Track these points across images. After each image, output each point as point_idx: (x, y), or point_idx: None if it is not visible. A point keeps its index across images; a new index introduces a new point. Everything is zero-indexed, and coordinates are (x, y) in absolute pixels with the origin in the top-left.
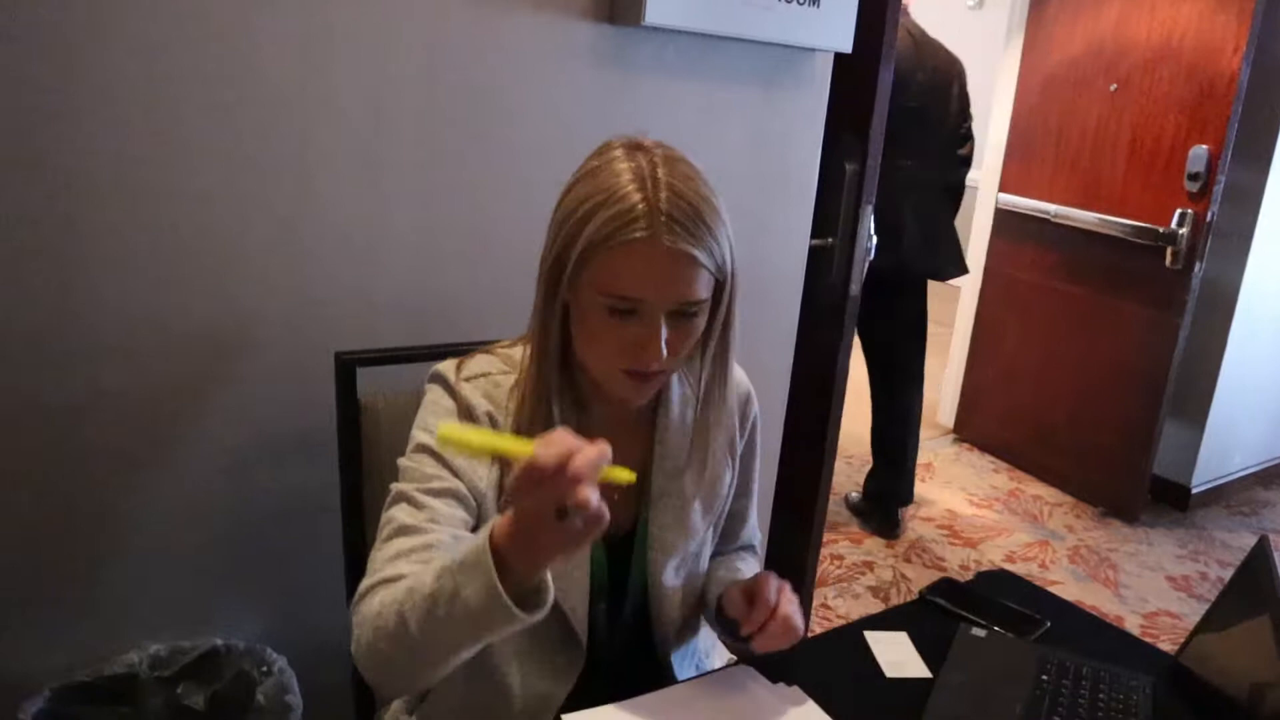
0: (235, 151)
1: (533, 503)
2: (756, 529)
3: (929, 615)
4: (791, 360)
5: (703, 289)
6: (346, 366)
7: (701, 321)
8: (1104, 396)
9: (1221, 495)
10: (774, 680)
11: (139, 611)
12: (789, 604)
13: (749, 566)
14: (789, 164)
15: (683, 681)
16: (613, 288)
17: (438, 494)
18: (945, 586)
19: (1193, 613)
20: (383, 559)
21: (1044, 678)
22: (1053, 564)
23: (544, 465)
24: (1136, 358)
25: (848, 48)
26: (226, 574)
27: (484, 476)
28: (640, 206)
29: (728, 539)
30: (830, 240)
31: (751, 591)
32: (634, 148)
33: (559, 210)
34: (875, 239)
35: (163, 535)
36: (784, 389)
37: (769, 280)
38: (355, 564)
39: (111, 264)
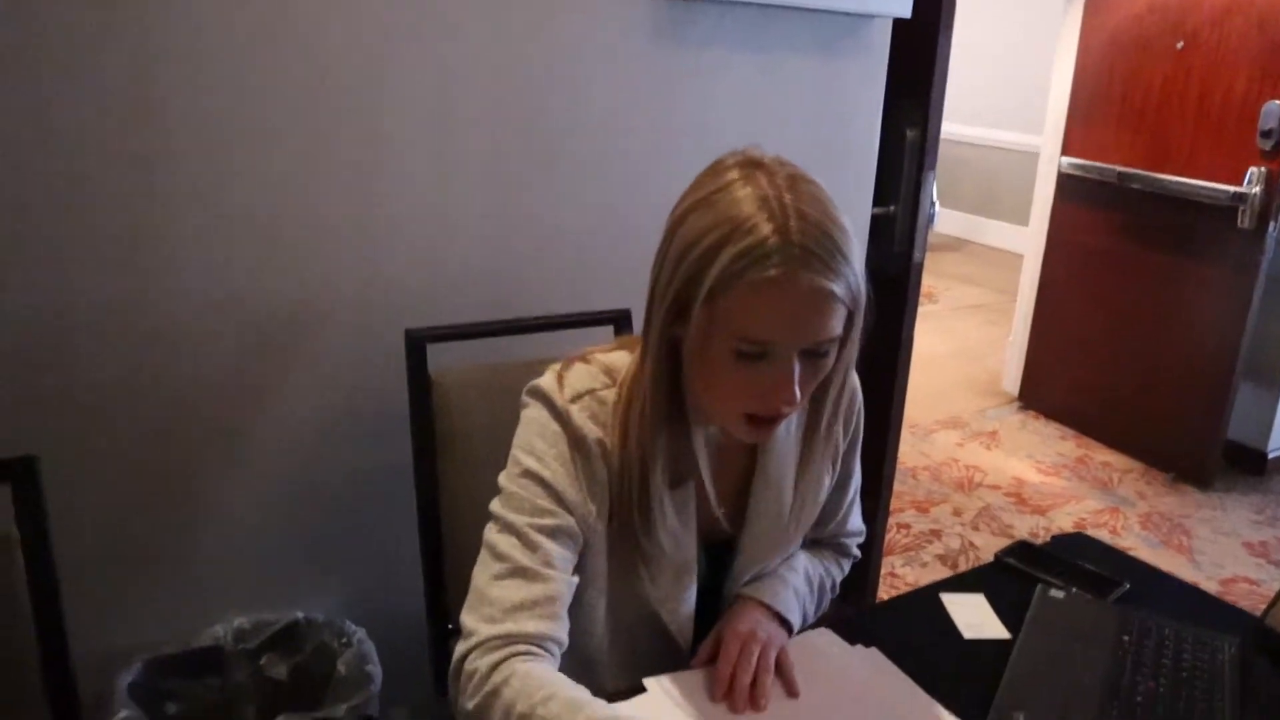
0: (311, 137)
1: None
2: (853, 522)
3: (1005, 577)
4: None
5: (837, 324)
6: (417, 343)
7: (832, 359)
8: (1175, 361)
9: None
10: (852, 643)
11: (223, 586)
12: (745, 673)
13: (788, 580)
14: (849, 132)
15: None
16: (743, 331)
17: (550, 533)
18: (1020, 548)
19: (1271, 579)
20: (501, 603)
21: (1125, 638)
22: (1124, 530)
23: None
24: (1209, 321)
25: (907, 13)
26: (305, 548)
27: (592, 512)
28: (773, 240)
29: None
30: (892, 208)
31: (718, 642)
32: (751, 166)
33: (674, 241)
34: (937, 205)
35: (244, 512)
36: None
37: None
38: (430, 537)
39: (194, 245)
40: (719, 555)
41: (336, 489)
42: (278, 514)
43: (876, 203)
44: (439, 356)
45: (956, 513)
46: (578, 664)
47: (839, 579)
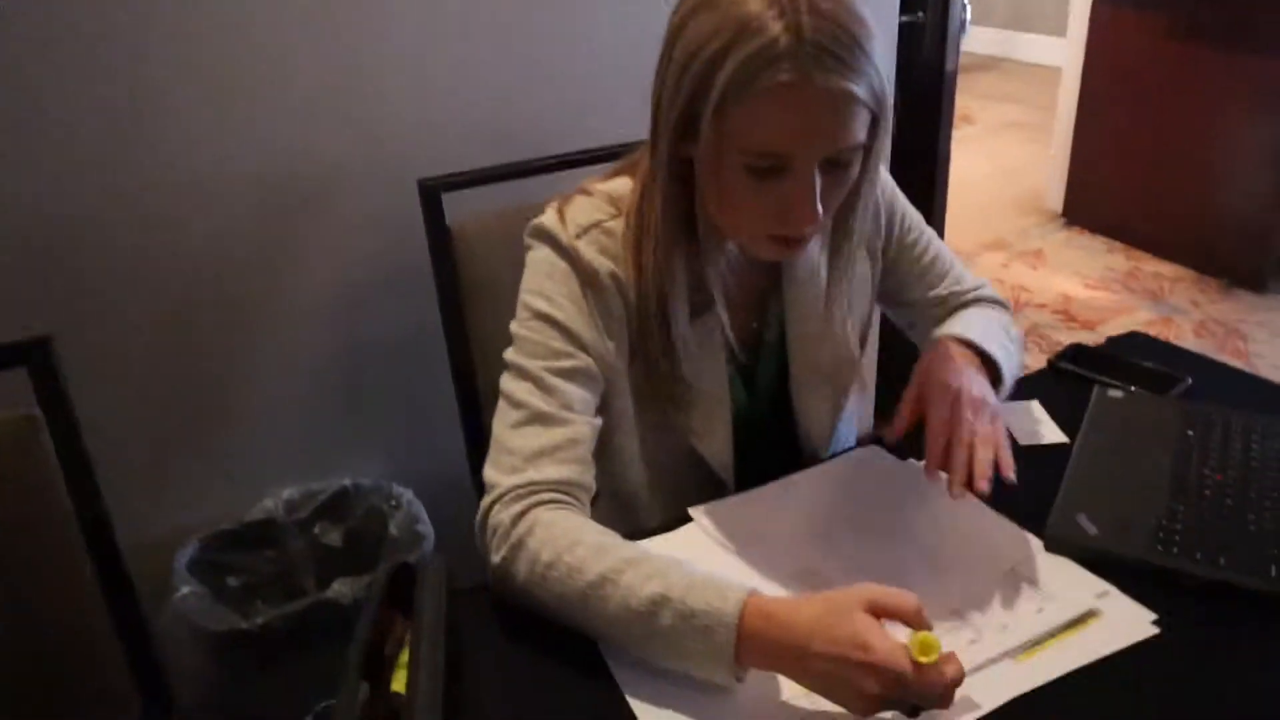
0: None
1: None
2: (967, 278)
3: (1060, 382)
4: (890, 145)
5: (859, 130)
6: (431, 192)
7: (856, 167)
8: (1226, 162)
9: None
10: (903, 458)
11: (268, 460)
12: (961, 445)
13: (975, 316)
14: None
15: (807, 469)
16: (757, 144)
17: (568, 375)
18: (1075, 352)
19: None
20: (521, 451)
21: (1190, 433)
22: (1179, 339)
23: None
24: (1261, 117)
25: None
26: (345, 415)
27: (611, 350)
28: (784, 40)
29: (934, 304)
30: (920, 15)
31: (923, 398)
32: None
33: (675, 50)
34: (969, 10)
35: (276, 384)
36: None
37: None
38: (465, 391)
39: (192, 118)
40: (769, 376)
41: (368, 352)
42: (312, 383)
43: (904, 10)
44: (456, 207)
45: None
46: (619, 506)
47: (1015, 333)
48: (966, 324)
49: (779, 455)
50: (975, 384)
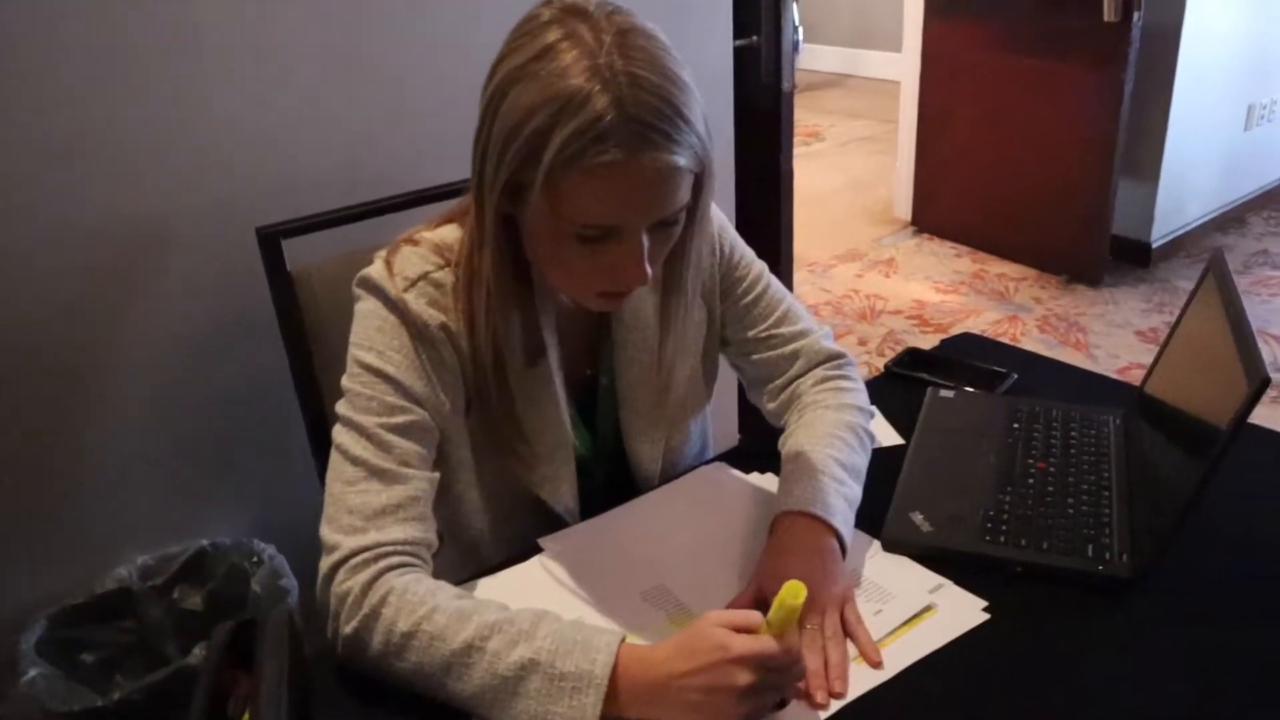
0: (123, 42)
1: (750, 685)
2: (814, 331)
3: (896, 386)
4: (734, 166)
5: (685, 194)
6: (270, 239)
7: (682, 221)
8: (1057, 164)
9: (1181, 246)
10: (747, 471)
11: (121, 527)
12: (815, 655)
13: (814, 442)
14: None
15: (655, 490)
16: (585, 216)
17: (403, 431)
18: (909, 356)
19: None
20: (361, 510)
21: (1015, 425)
22: (1024, 336)
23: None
24: (1085, 120)
25: None
26: (199, 474)
27: (445, 403)
28: (609, 117)
29: (776, 370)
30: (755, 39)
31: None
32: (573, 18)
33: (498, 118)
34: (801, 31)
35: (127, 446)
36: (730, 198)
37: (698, 89)
38: (319, 440)
39: (17, 174)
40: (608, 419)
41: (218, 406)
42: (162, 443)
43: (738, 34)
44: (299, 253)
45: (862, 342)
46: (461, 551)
47: (858, 420)
48: (806, 469)
49: (622, 496)
50: (818, 579)
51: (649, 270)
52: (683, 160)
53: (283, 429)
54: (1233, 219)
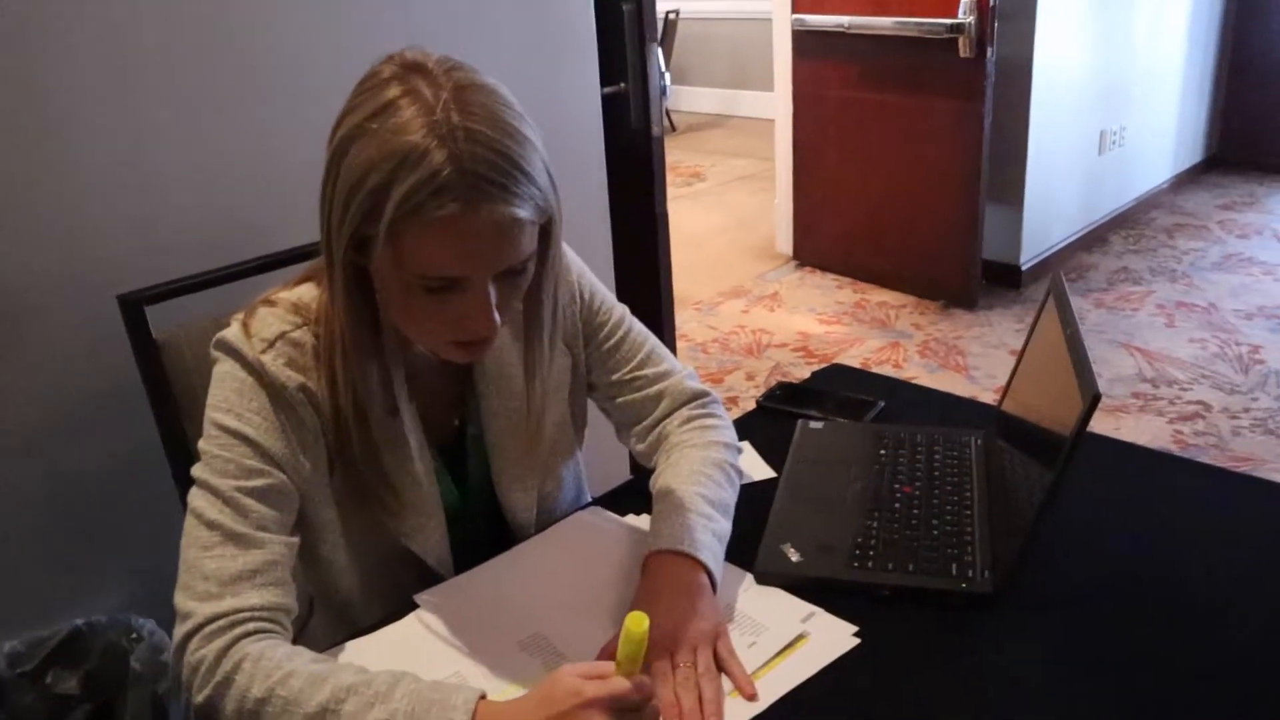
0: None
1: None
2: (677, 372)
3: (769, 421)
4: (609, 214)
5: (530, 243)
6: (133, 307)
7: (531, 270)
8: (927, 194)
9: (1049, 266)
10: (622, 514)
11: None
12: (689, 693)
13: (681, 481)
14: (563, 13)
15: (531, 538)
16: (428, 269)
17: (260, 495)
18: (780, 390)
19: None
20: (217, 575)
21: (882, 452)
22: (906, 362)
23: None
24: (950, 151)
25: None
26: (70, 552)
27: (305, 465)
28: (446, 172)
29: (642, 411)
30: (623, 85)
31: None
32: (413, 74)
33: (340, 173)
34: (668, 77)
35: None
36: (606, 243)
37: (567, 138)
38: None
39: None
40: (479, 469)
41: (86, 481)
42: (26, 523)
43: (606, 82)
44: (164, 319)
45: (749, 377)
46: (333, 615)
47: (725, 456)
48: (674, 507)
49: (499, 546)
50: (689, 618)
51: (497, 319)
52: (522, 212)
53: (156, 499)
54: (1095, 238)
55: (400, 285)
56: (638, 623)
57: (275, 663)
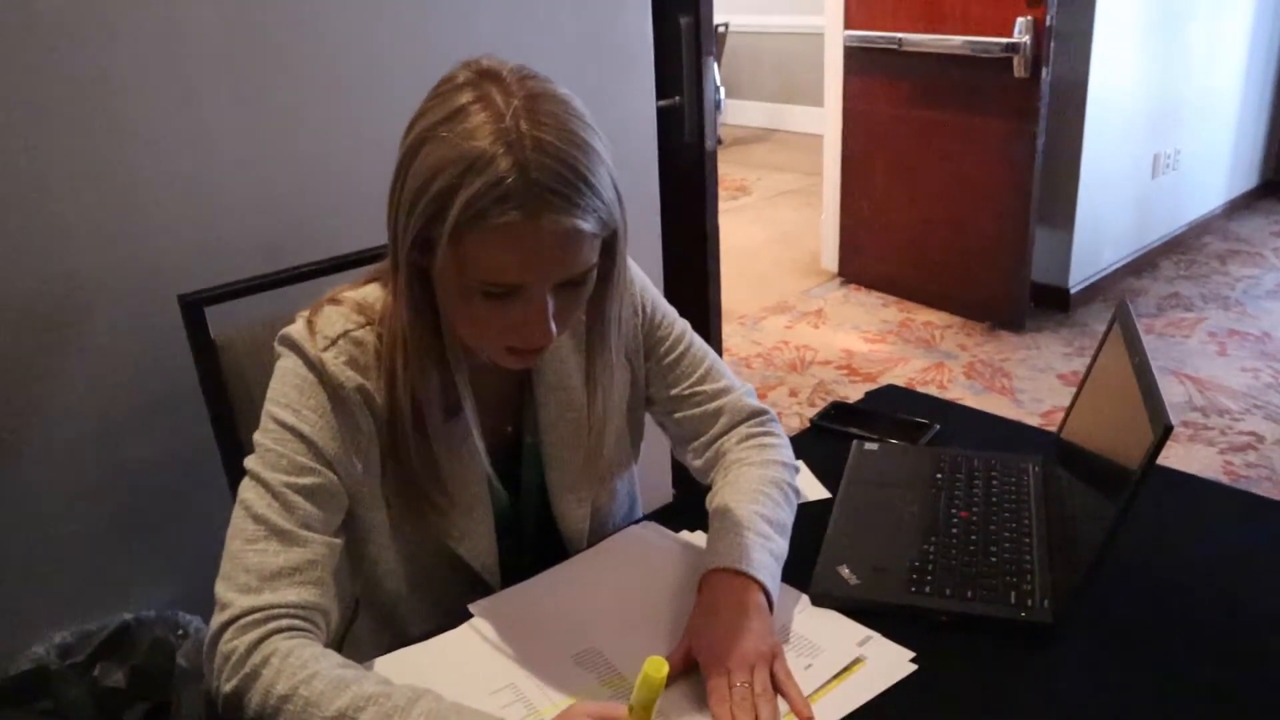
0: (39, 114)
1: None
2: (736, 389)
3: (822, 440)
4: (660, 227)
5: (590, 255)
6: (193, 307)
7: (592, 282)
8: (976, 214)
9: (1098, 291)
10: (677, 530)
11: (37, 604)
12: (746, 713)
13: (739, 500)
14: (621, 27)
15: (585, 551)
16: (488, 274)
17: (310, 493)
18: (834, 410)
19: None
20: (259, 570)
21: (938, 475)
22: (950, 383)
23: None
24: (1001, 171)
25: None
26: (121, 546)
27: (357, 466)
28: (510, 180)
29: (701, 427)
30: (678, 99)
31: (693, 659)
32: (487, 81)
33: (409, 176)
34: (723, 91)
35: (44, 520)
36: (657, 259)
37: (622, 150)
38: None
39: None
40: (533, 479)
41: (140, 477)
42: (79, 515)
43: (661, 95)
44: (222, 320)
45: (793, 393)
46: (379, 617)
47: (783, 476)
48: (732, 526)
49: (549, 553)
50: (746, 637)
51: (553, 329)
52: (584, 224)
53: (207, 498)
54: (1145, 263)
55: (460, 289)
56: (657, 668)
57: (302, 662)
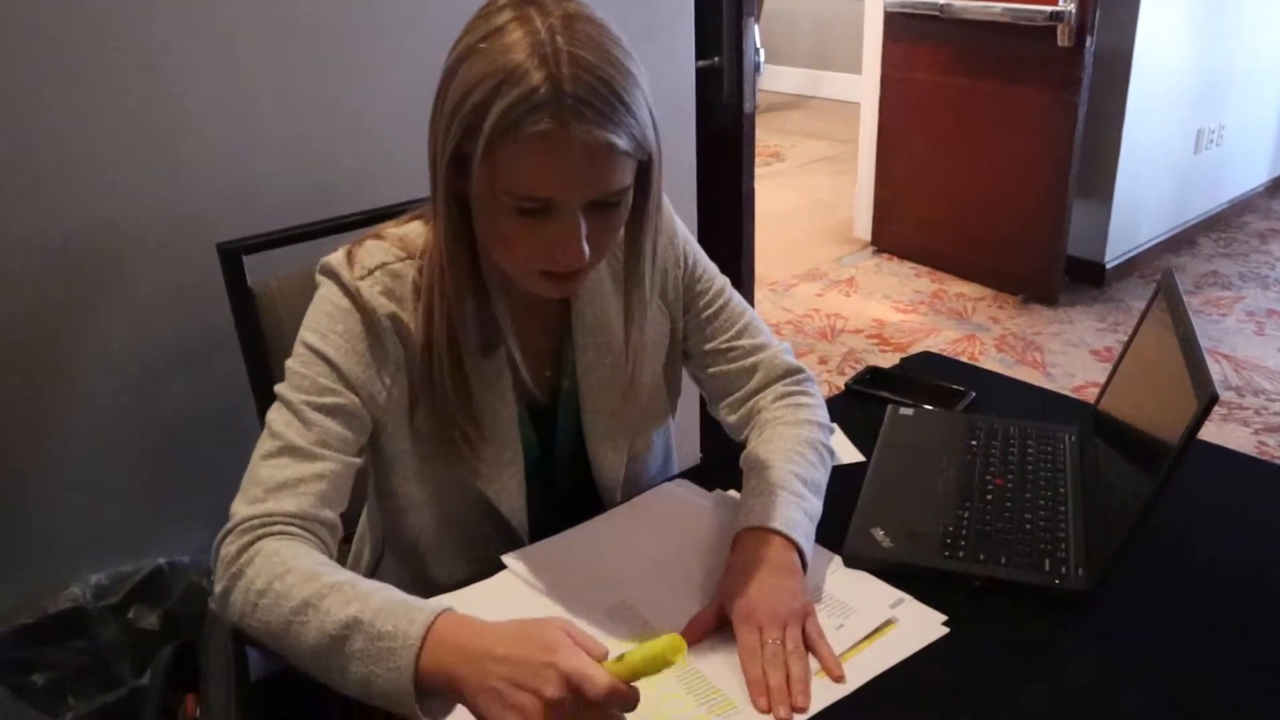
0: (91, 54)
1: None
2: (773, 346)
3: (857, 404)
4: (695, 188)
5: (623, 176)
6: (231, 255)
7: (626, 208)
8: (1013, 186)
9: (1134, 267)
10: (710, 489)
11: (74, 545)
12: (777, 671)
13: (775, 457)
14: None
15: (618, 507)
16: (520, 188)
17: (329, 411)
18: (870, 374)
19: None
20: (266, 482)
21: (973, 442)
22: (982, 355)
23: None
24: (1040, 142)
25: None
26: (156, 491)
27: (382, 392)
28: (543, 90)
29: (736, 383)
30: (716, 60)
31: (726, 616)
32: (526, 3)
33: (448, 93)
34: (762, 54)
35: (82, 463)
36: (692, 218)
37: (660, 109)
38: None
39: None
40: (569, 425)
41: (176, 423)
42: (116, 459)
43: (700, 56)
44: (260, 268)
45: (823, 361)
46: (403, 558)
47: (818, 436)
48: (766, 485)
49: (580, 504)
50: (779, 595)
51: (586, 251)
52: (616, 139)
53: (242, 445)
54: (1184, 240)
55: (494, 208)
56: (675, 650)
57: (282, 559)
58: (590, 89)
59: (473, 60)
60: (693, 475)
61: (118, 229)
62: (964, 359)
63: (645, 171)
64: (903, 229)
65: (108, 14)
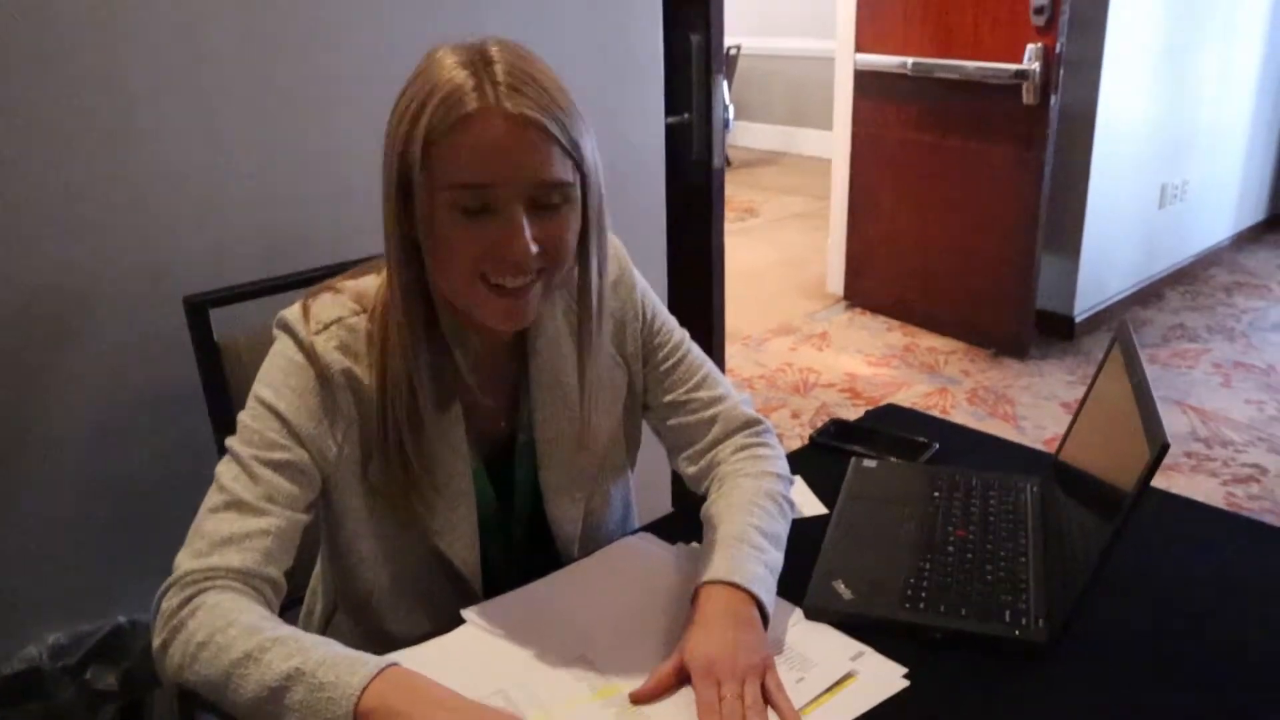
0: (49, 107)
1: None
2: (732, 398)
3: (821, 457)
4: (665, 243)
5: (560, 170)
6: (197, 309)
7: (568, 216)
8: (983, 241)
9: (1103, 320)
10: (673, 541)
11: (31, 603)
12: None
13: (734, 511)
14: (631, 42)
15: (579, 560)
16: (458, 177)
17: (277, 467)
18: (834, 427)
19: None
20: (211, 536)
21: (936, 494)
22: (953, 408)
23: None
24: (1008, 198)
25: None
26: (118, 548)
27: (333, 448)
28: (469, 83)
29: (695, 435)
30: (686, 115)
31: (685, 671)
32: (463, 43)
33: (390, 123)
34: (731, 110)
35: (43, 521)
36: (662, 274)
37: (630, 164)
38: None
39: None
40: (526, 478)
41: (140, 479)
42: (77, 516)
43: (670, 112)
44: (228, 322)
45: (795, 415)
46: (357, 613)
47: (778, 488)
48: (726, 538)
49: (538, 558)
50: (738, 649)
51: (529, 242)
52: (548, 123)
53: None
54: (1151, 294)
55: (437, 218)
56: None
57: (224, 612)
58: (518, 78)
59: (407, 91)
60: (663, 527)
61: (81, 283)
62: (936, 412)
63: (585, 186)
64: (874, 283)
65: (82, 65)
